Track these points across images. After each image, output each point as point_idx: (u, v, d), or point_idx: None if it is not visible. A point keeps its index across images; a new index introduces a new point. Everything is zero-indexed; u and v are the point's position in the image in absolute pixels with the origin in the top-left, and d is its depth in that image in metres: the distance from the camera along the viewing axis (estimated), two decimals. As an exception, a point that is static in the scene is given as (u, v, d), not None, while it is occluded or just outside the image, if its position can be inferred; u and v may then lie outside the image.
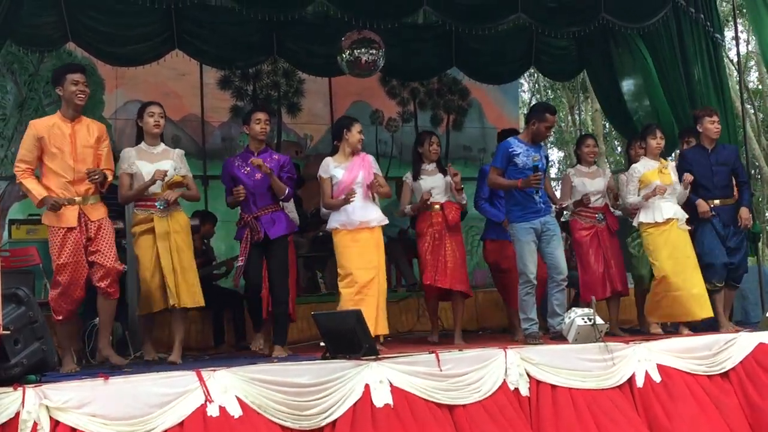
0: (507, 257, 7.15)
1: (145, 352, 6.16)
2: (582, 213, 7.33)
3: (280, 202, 6.55)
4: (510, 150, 6.62)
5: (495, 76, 10.40)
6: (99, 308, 5.77)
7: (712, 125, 7.12)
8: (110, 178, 5.77)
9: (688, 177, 6.97)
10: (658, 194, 6.82)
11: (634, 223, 7.10)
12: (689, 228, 6.92)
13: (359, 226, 6.29)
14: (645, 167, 7.02)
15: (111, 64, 8.68)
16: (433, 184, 7.13)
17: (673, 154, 8.63)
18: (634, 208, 7.08)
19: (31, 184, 5.51)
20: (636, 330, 7.48)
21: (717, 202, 7.09)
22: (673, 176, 7.00)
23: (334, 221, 6.35)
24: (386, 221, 6.47)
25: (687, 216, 6.94)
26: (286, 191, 6.48)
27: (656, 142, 7.04)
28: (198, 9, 8.58)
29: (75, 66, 6.00)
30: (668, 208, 6.85)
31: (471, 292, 7.29)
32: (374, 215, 6.37)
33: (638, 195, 6.99)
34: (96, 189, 5.66)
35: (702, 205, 7.00)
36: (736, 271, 7.14)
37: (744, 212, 7.10)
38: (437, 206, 7.09)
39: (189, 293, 6.01)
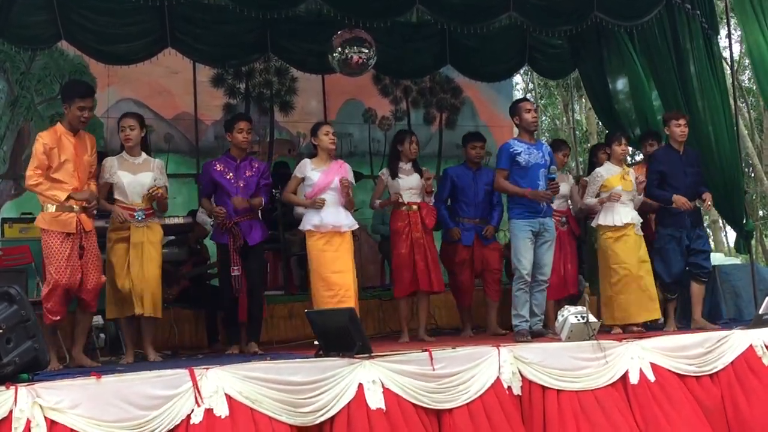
0: (456, 262, 7.48)
1: (126, 356, 6.18)
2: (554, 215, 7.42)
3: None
4: (511, 150, 6.76)
5: (489, 74, 10.39)
6: (77, 319, 5.91)
7: (677, 128, 7.23)
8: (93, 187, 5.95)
9: (640, 186, 7.24)
10: (614, 200, 7.02)
11: (593, 224, 7.26)
12: (642, 234, 7.13)
13: (331, 230, 6.41)
14: (608, 172, 7.21)
15: (103, 62, 8.63)
16: (411, 184, 7.22)
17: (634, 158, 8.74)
18: (590, 210, 7.25)
19: (49, 190, 5.68)
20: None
21: None
22: (634, 183, 7.21)
23: (308, 223, 6.49)
24: (357, 226, 6.65)
25: (641, 221, 7.15)
26: (263, 202, 6.70)
27: (621, 148, 7.25)
28: (191, 7, 8.56)
29: (86, 89, 6.08)
30: (626, 213, 7.07)
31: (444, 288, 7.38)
32: (345, 221, 6.51)
33: (595, 198, 7.17)
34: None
35: (679, 199, 7.05)
36: (702, 269, 7.24)
37: (707, 195, 7.23)
38: (414, 206, 7.14)
39: (152, 304, 6.09)
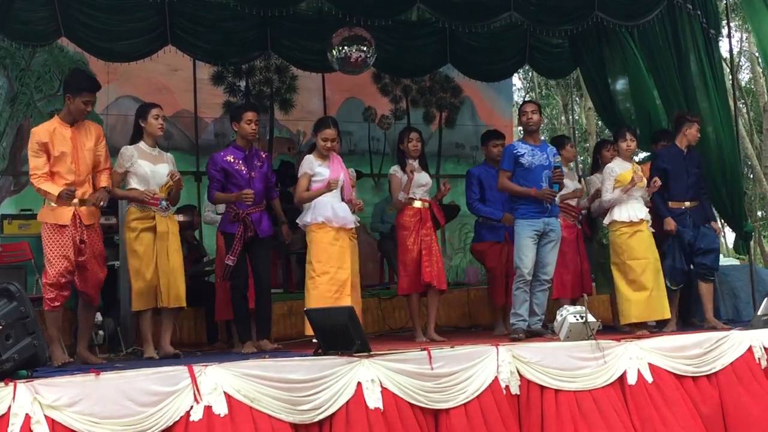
0: (491, 257, 7.42)
1: (146, 350, 6.11)
2: (567, 210, 7.41)
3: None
4: (515, 151, 6.78)
5: (489, 73, 10.39)
6: (79, 314, 5.93)
7: (697, 132, 7.29)
8: (108, 178, 5.97)
9: (657, 182, 7.02)
10: (636, 181, 6.88)
11: (605, 222, 7.12)
12: (653, 231, 7.03)
13: (343, 224, 6.40)
14: (620, 168, 7.09)
15: (103, 59, 8.62)
16: (420, 181, 7.10)
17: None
18: (610, 207, 7.09)
19: (45, 186, 5.70)
20: (610, 327, 7.46)
21: (688, 204, 7.21)
22: (644, 180, 7.10)
23: (319, 215, 6.37)
24: (359, 224, 6.78)
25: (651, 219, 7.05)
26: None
27: (626, 144, 7.12)
28: (191, 4, 8.57)
29: (95, 84, 6.04)
30: (640, 209, 6.98)
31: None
32: (351, 216, 6.56)
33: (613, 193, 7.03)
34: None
35: (669, 223, 7.06)
36: (708, 269, 7.23)
37: (716, 225, 7.46)
38: (426, 203, 7.08)
39: (176, 295, 6.09)
